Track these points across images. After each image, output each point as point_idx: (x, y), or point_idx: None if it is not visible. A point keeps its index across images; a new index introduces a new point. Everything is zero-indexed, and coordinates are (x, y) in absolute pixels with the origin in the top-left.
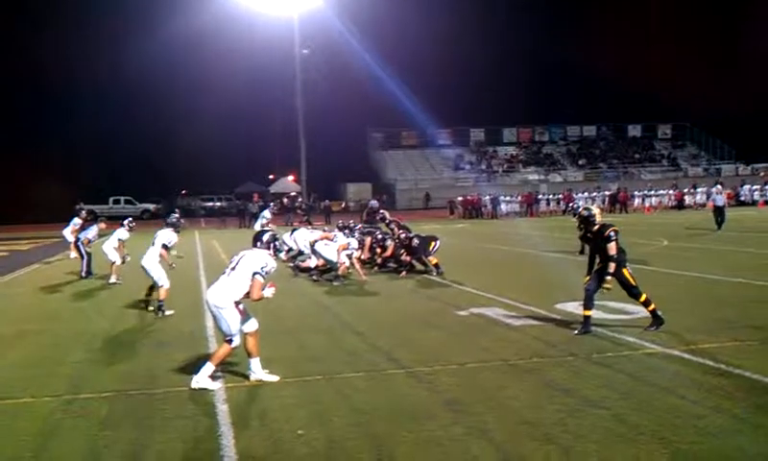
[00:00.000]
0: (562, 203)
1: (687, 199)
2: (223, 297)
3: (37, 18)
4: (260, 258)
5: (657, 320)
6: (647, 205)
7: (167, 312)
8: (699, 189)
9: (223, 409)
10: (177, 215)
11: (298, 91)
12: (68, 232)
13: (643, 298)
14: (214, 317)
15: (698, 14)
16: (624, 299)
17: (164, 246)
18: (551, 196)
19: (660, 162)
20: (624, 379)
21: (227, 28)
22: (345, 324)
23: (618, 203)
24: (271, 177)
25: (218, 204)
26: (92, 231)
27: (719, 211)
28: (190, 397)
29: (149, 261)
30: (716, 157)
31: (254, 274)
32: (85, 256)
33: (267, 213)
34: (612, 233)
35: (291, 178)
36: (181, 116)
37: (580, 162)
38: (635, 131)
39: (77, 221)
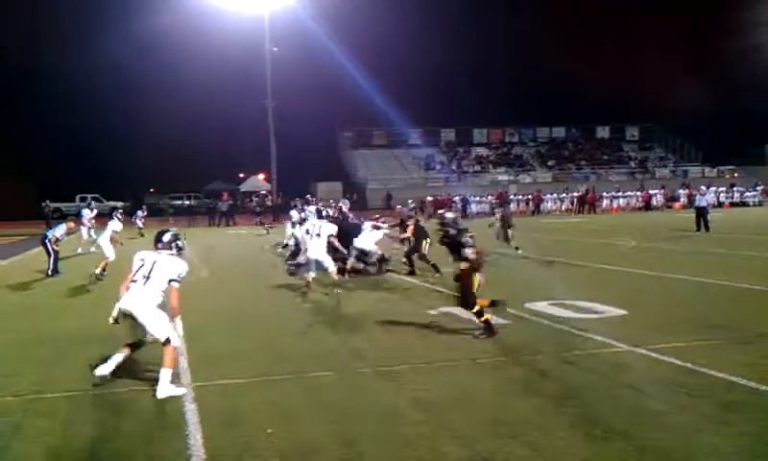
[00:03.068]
0: (531, 203)
1: (654, 200)
2: (145, 305)
3: (4, 7)
4: (175, 265)
5: (489, 329)
6: (615, 205)
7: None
8: (659, 191)
9: (191, 408)
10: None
11: (268, 90)
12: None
13: (476, 309)
14: (141, 325)
15: (666, 17)
16: (592, 298)
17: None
18: (521, 197)
19: (628, 164)
20: (590, 377)
21: (197, 25)
22: (315, 322)
23: (587, 204)
24: (241, 175)
25: (187, 202)
26: (60, 230)
27: (701, 213)
28: (157, 396)
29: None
30: (683, 159)
31: (170, 281)
32: (52, 255)
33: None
34: (469, 239)
35: (261, 176)
36: (150, 113)
37: (549, 163)
38: (603, 132)
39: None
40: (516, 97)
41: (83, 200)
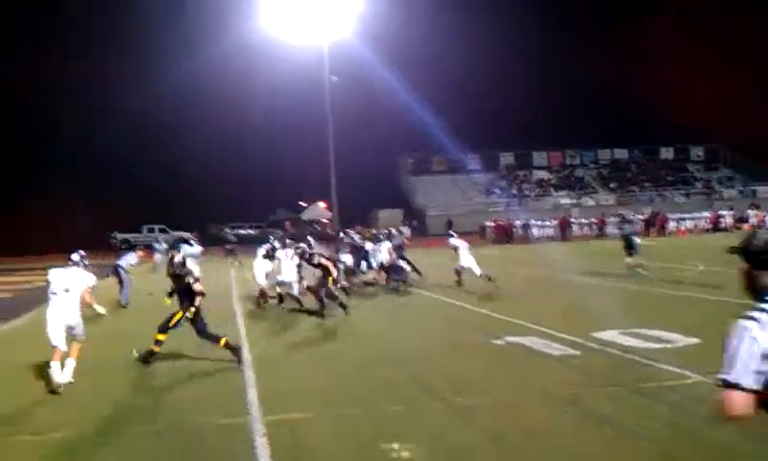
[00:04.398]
0: (594, 227)
1: (723, 222)
2: (76, 313)
3: (70, 43)
4: (87, 278)
5: (149, 356)
6: (682, 228)
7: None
8: (727, 213)
9: (261, 442)
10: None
11: (328, 118)
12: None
13: (223, 341)
14: (69, 328)
15: (728, 36)
16: (662, 325)
17: None
18: (584, 220)
19: (694, 185)
20: (667, 410)
21: (258, 58)
22: (378, 352)
23: (653, 226)
24: (302, 204)
25: (250, 231)
26: (133, 258)
27: None
28: (228, 429)
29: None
30: (751, 179)
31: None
32: (126, 284)
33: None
34: (192, 278)
35: (323, 204)
36: (213, 144)
37: (612, 186)
38: (667, 153)
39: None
40: (575, 118)
41: (150, 230)
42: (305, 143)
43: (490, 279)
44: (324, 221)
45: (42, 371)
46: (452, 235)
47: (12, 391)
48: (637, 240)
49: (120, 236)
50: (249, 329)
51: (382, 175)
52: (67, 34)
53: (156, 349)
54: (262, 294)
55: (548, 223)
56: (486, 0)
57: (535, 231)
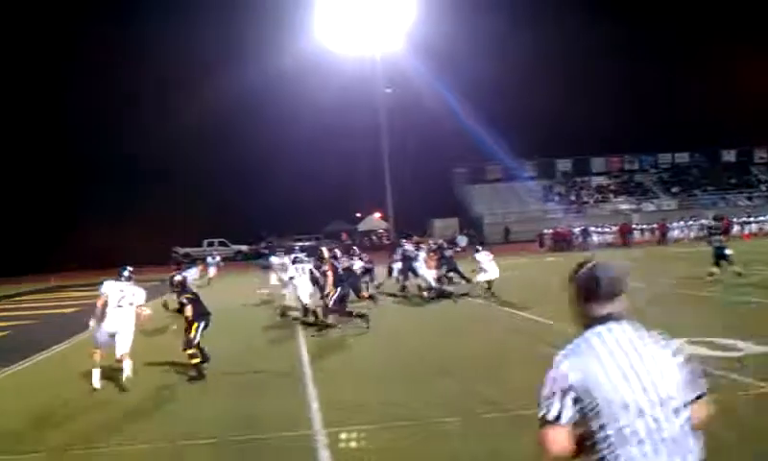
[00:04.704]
0: (657, 232)
1: None
2: (129, 326)
3: (131, 63)
4: (143, 294)
5: (199, 374)
6: (746, 231)
7: None
8: None
9: (324, 455)
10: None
11: (382, 129)
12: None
13: (191, 351)
14: (121, 336)
15: None
16: (733, 334)
17: None
18: (645, 226)
19: (758, 187)
20: (740, 422)
21: (313, 70)
22: (433, 363)
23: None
24: (358, 215)
25: (308, 243)
26: (194, 273)
27: None
28: (292, 442)
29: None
30: None
31: (140, 305)
32: None
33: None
34: (185, 300)
35: (378, 215)
36: (269, 157)
37: (673, 190)
38: (729, 156)
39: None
40: (634, 123)
41: (210, 244)
42: (360, 154)
43: (489, 288)
44: (381, 231)
45: (105, 383)
46: (478, 250)
47: (72, 405)
48: (728, 251)
49: (181, 251)
50: (308, 343)
51: (437, 184)
52: (128, 53)
53: (196, 360)
54: (305, 311)
55: (608, 229)
56: (541, 7)
57: (594, 238)
